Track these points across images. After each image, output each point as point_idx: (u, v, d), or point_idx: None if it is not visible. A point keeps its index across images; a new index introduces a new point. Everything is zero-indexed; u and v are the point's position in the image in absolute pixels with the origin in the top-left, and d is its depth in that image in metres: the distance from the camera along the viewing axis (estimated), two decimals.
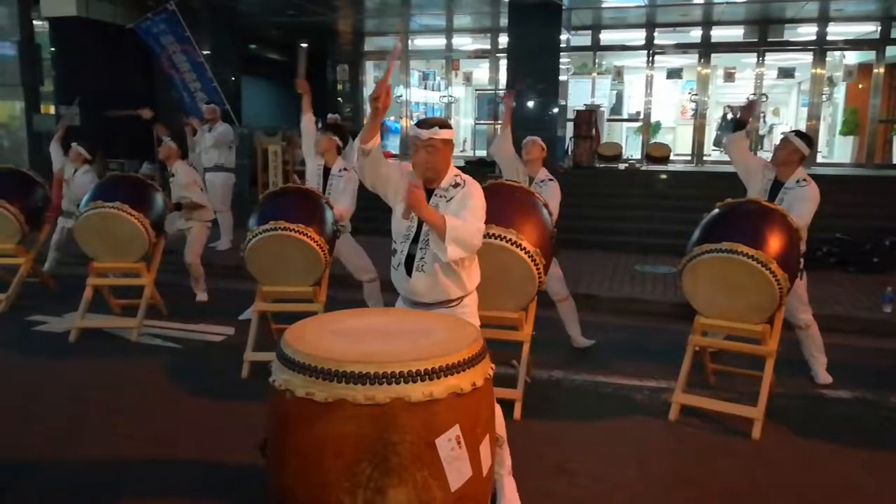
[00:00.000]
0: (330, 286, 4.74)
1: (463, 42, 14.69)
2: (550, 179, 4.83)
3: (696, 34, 13.04)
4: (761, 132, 14.95)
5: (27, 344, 5.08)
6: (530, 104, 10.58)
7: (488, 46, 14.22)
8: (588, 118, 11.23)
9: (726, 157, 5.28)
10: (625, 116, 15.40)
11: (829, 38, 12.28)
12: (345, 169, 5.00)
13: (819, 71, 12.55)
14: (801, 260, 3.90)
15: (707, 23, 12.58)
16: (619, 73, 14.55)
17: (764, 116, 15.18)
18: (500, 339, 3.89)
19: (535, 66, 10.41)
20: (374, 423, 1.94)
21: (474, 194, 2.74)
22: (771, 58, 13.27)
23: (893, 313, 5.82)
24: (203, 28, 11.03)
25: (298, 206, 4.44)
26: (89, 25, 11.15)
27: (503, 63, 12.61)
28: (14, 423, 3.73)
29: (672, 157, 11.99)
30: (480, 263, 2.94)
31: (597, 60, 13.63)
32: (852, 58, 13.48)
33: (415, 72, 15.71)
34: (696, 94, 13.40)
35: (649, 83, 13.45)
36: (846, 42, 12.67)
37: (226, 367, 4.52)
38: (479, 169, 9.74)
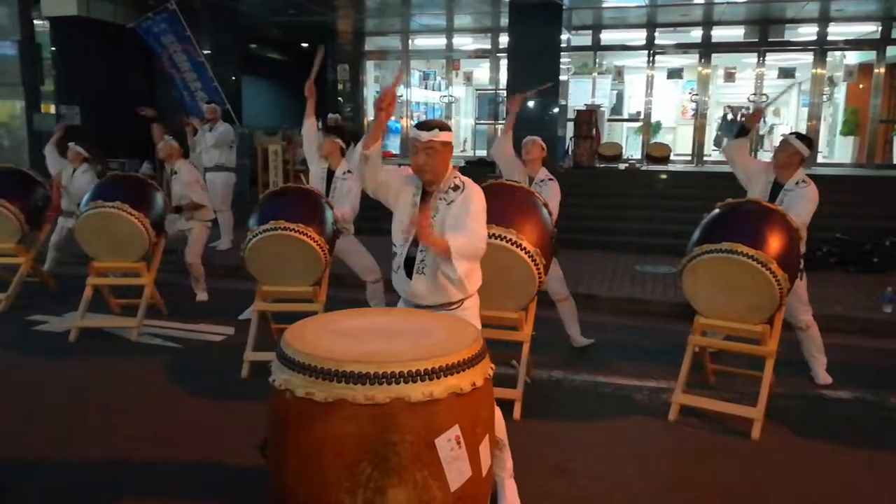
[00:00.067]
0: (330, 286, 4.74)
1: (463, 42, 14.69)
2: (550, 179, 4.83)
3: (696, 34, 13.04)
4: (761, 132, 14.95)
5: (27, 344, 5.09)
6: (530, 104, 10.56)
7: (489, 46, 14.22)
8: (588, 118, 11.23)
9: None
10: (625, 116, 15.40)
11: (829, 38, 12.27)
12: (348, 171, 5.01)
13: (819, 71, 12.54)
14: (801, 260, 3.91)
15: (707, 23, 12.58)
16: (619, 73, 14.55)
17: (764, 117, 15.18)
18: (500, 339, 3.89)
19: (535, 65, 10.39)
20: (374, 423, 1.94)
21: (475, 198, 2.74)
22: (771, 58, 13.26)
23: (893, 313, 5.82)
24: (204, 27, 11.02)
25: (298, 206, 4.45)
26: (90, 25, 11.14)
27: (503, 63, 12.61)
28: (14, 423, 3.73)
29: (672, 157, 11.98)
30: (480, 263, 2.93)
31: (597, 60, 13.62)
32: (853, 58, 13.48)
33: (415, 72, 15.71)
34: (696, 94, 13.40)
35: (650, 83, 13.44)
36: (847, 42, 12.66)
37: (226, 367, 4.52)
38: (479, 169, 9.74)
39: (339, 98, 14.71)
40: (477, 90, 15.97)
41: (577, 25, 12.80)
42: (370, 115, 14.92)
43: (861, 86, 13.19)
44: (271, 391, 2.11)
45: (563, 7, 10.59)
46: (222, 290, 6.41)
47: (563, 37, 11.16)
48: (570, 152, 11.43)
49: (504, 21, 11.79)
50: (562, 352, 4.96)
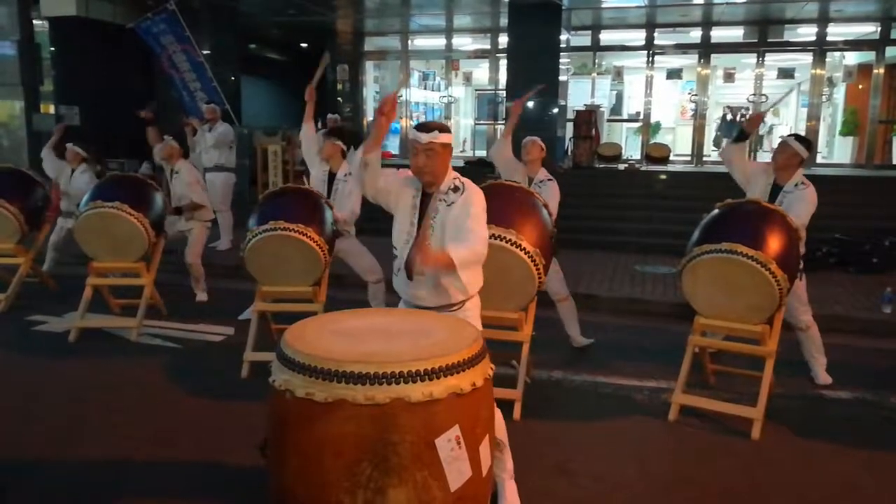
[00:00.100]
0: (330, 286, 4.75)
1: (463, 42, 14.69)
2: (549, 179, 4.83)
3: (695, 35, 13.04)
4: (760, 132, 14.95)
5: (27, 344, 5.08)
6: (530, 104, 10.57)
7: (488, 46, 14.22)
8: (588, 118, 11.24)
9: None
10: (625, 117, 15.40)
11: (828, 38, 12.28)
12: (349, 173, 5.02)
13: (819, 71, 12.55)
14: (801, 261, 3.91)
15: (707, 23, 12.58)
16: (618, 74, 14.54)
17: (763, 119, 15.17)
18: (500, 340, 3.89)
19: (534, 66, 10.40)
20: (374, 423, 1.94)
21: (475, 200, 2.74)
22: (771, 58, 13.26)
23: (893, 313, 5.82)
24: (203, 28, 11.02)
25: (298, 206, 4.45)
26: (89, 25, 11.15)
27: (503, 63, 12.60)
28: (14, 423, 3.73)
29: (672, 158, 11.99)
30: None
31: (597, 61, 13.63)
32: (852, 58, 13.48)
33: (415, 72, 15.71)
34: (695, 95, 13.40)
35: (649, 83, 13.45)
36: (846, 43, 12.67)
37: (226, 367, 4.52)
38: (478, 169, 9.74)
39: (339, 98, 14.71)
40: (476, 90, 15.96)
41: (577, 26, 12.81)
42: (369, 115, 14.92)
43: (860, 86, 13.20)
44: (271, 391, 2.11)
45: (563, 7, 10.59)
46: (222, 291, 6.40)
47: (563, 37, 11.17)
48: (569, 153, 11.43)
49: (503, 21, 11.80)
50: (562, 352, 4.96)
